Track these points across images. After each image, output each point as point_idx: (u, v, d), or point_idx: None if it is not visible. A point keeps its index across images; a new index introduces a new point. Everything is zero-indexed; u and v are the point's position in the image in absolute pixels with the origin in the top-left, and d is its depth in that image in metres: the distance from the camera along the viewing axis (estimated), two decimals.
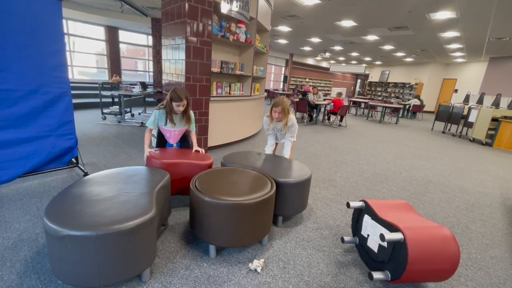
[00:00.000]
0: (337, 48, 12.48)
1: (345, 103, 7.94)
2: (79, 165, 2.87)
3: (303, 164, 2.41)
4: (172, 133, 2.50)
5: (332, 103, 7.77)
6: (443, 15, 5.97)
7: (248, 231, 1.70)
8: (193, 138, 2.64)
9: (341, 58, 16.82)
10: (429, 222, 1.62)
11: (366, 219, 1.77)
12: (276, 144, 2.91)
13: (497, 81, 10.54)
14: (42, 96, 2.42)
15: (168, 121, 2.35)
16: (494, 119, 6.35)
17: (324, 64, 19.95)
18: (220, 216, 1.63)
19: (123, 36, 10.15)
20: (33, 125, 2.43)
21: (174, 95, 2.25)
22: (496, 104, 7.77)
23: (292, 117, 2.55)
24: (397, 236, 1.44)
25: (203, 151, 2.55)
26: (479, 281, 1.72)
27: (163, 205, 1.79)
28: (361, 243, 1.84)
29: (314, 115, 7.97)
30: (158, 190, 1.66)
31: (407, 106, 11.26)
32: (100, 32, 9.55)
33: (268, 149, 2.80)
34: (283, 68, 17.72)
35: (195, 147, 2.58)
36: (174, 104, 2.27)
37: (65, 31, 2.62)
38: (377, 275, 1.53)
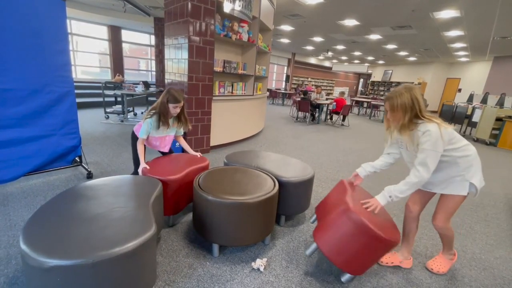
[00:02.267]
0: (340, 47, 12.43)
1: (348, 102, 7.91)
2: (83, 164, 2.89)
3: (306, 164, 2.41)
4: (163, 140, 2.31)
5: (335, 103, 7.75)
6: (447, 14, 5.93)
7: (251, 230, 1.70)
8: (185, 143, 2.48)
9: (344, 58, 16.76)
10: (341, 205, 1.53)
11: None
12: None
13: (501, 80, 10.44)
14: (47, 96, 2.44)
15: (161, 125, 2.14)
16: (498, 119, 6.30)
17: (327, 64, 19.88)
18: (223, 215, 1.63)
19: (126, 35, 10.18)
20: (37, 124, 2.44)
21: (171, 97, 2.08)
22: (500, 103, 7.69)
23: (432, 126, 1.35)
24: (313, 246, 1.56)
25: (200, 154, 2.42)
26: (483, 281, 1.71)
27: (157, 217, 1.60)
28: None
29: (317, 115, 7.96)
30: (152, 202, 1.51)
31: None
32: (103, 32, 9.59)
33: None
34: (285, 68, 17.69)
35: (192, 151, 2.46)
36: (171, 106, 2.10)
37: (68, 30, 2.63)
38: (343, 277, 1.59)
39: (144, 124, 2.11)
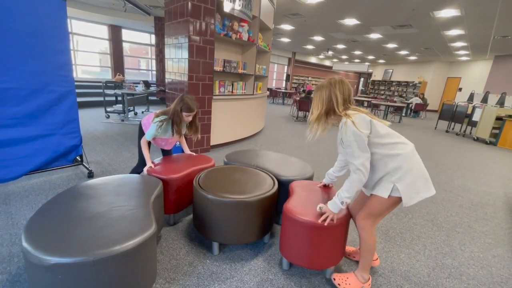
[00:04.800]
0: (340, 46, 12.43)
1: None
2: (84, 163, 2.91)
3: (305, 163, 2.42)
4: (169, 140, 2.34)
5: None
6: (447, 13, 5.92)
7: (251, 229, 1.71)
8: (183, 141, 2.50)
9: (344, 57, 16.75)
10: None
11: None
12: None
13: (502, 79, 10.43)
14: (48, 95, 2.46)
15: (174, 132, 2.16)
16: (499, 118, 6.30)
17: (327, 63, 19.87)
18: (223, 213, 1.64)
19: (126, 35, 10.20)
20: (38, 124, 2.46)
21: (185, 105, 2.07)
22: (500, 103, 7.70)
23: (350, 122, 1.31)
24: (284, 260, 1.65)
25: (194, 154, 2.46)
26: (481, 279, 1.73)
27: (158, 216, 1.62)
28: None
29: None
30: (153, 201, 1.52)
31: (410, 105, 11.20)
32: (103, 31, 9.61)
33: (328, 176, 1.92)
34: (286, 67, 17.69)
35: (188, 150, 2.50)
36: (184, 114, 2.11)
37: (69, 30, 2.64)
38: (327, 274, 1.65)
39: (153, 129, 2.08)
